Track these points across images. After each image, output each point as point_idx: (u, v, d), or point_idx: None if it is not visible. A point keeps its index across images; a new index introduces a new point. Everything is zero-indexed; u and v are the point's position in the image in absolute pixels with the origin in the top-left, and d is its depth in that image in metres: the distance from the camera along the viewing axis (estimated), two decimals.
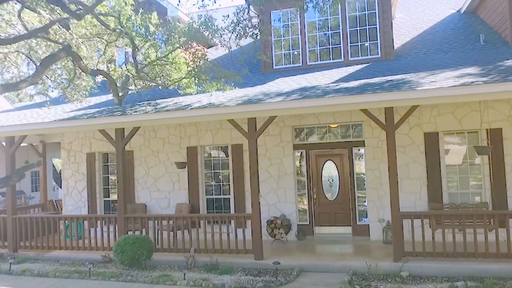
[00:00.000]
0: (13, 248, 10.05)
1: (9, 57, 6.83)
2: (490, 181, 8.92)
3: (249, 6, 6.46)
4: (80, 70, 6.30)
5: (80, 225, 10.50)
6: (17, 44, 6.06)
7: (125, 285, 7.58)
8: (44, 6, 5.30)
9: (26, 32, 5.15)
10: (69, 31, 5.64)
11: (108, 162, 11.98)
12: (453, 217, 7.81)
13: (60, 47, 5.43)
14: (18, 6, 5.10)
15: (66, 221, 10.35)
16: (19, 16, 5.40)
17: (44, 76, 7.58)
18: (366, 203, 9.89)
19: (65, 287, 7.57)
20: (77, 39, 6.16)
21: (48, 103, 9.17)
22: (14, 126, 9.50)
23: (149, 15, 6.78)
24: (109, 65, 7.81)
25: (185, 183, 10.94)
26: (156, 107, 8.81)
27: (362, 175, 10.04)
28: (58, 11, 5.59)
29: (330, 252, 8.81)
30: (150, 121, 8.76)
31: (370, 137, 9.71)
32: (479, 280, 6.70)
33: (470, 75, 7.37)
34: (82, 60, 5.57)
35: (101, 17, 5.69)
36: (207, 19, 6.96)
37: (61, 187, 17.78)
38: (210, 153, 11.12)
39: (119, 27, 5.89)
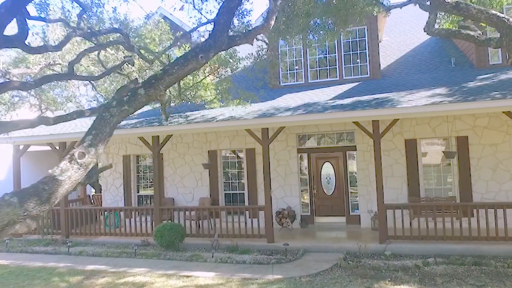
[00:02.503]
0: (66, 234, 11.33)
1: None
2: (459, 179, 10.18)
3: (268, 46, 7.74)
4: None
5: (118, 216, 11.80)
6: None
7: (165, 262, 8.86)
8: (114, 47, 6.60)
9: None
10: (132, 65, 6.92)
11: (139, 163, 13.26)
12: (427, 208, 9.12)
13: (127, 79, 6.74)
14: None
15: (108, 212, 11.68)
16: (98, 55, 6.69)
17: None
18: (357, 197, 11.15)
19: (118, 263, 8.86)
20: (136, 70, 7.44)
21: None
22: (69, 134, 10.79)
23: (186, 47, 8.07)
24: None
25: (206, 180, 12.21)
26: (187, 119, 10.08)
27: (354, 174, 11.28)
28: (122, 49, 6.89)
29: (328, 237, 10.03)
30: (182, 130, 10.08)
31: (361, 143, 10.96)
32: (446, 257, 7.89)
33: (440, 95, 8.64)
34: None
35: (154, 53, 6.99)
36: (231, 51, 8.25)
37: (90, 185, 19.06)
38: (228, 155, 12.39)
39: (168, 61, 7.17)
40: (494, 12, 5.29)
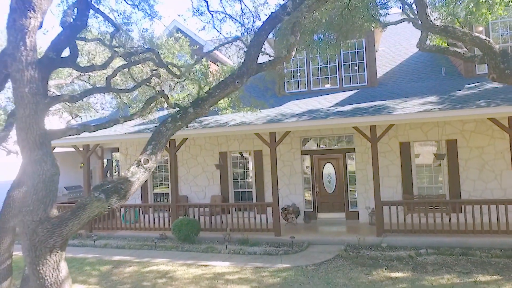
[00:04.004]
0: (89, 229, 11.92)
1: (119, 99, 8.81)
2: (448, 178, 10.76)
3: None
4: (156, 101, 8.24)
5: (138, 212, 12.41)
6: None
7: (183, 253, 9.44)
8: (149, 64, 7.23)
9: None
10: (159, 78, 7.52)
11: None
12: (420, 204, 9.69)
13: (155, 91, 7.36)
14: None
15: (128, 208, 12.28)
16: (128, 70, 7.30)
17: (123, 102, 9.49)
18: (356, 195, 11.71)
19: (141, 254, 9.45)
20: (160, 82, 8.05)
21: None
22: (93, 138, 11.37)
23: (202, 61, 8.68)
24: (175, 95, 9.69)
25: (217, 179, 12.79)
26: (201, 124, 10.67)
27: (353, 173, 11.83)
28: (148, 64, 7.49)
29: (330, 231, 10.62)
30: (197, 134, 10.66)
31: (359, 145, 11.53)
32: (436, 249, 8.44)
33: (431, 103, 9.23)
34: (169, 98, 7.48)
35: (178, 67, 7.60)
36: None
37: None
38: (237, 157, 12.98)
39: (190, 75, 7.77)
40: (477, 34, 5.88)
